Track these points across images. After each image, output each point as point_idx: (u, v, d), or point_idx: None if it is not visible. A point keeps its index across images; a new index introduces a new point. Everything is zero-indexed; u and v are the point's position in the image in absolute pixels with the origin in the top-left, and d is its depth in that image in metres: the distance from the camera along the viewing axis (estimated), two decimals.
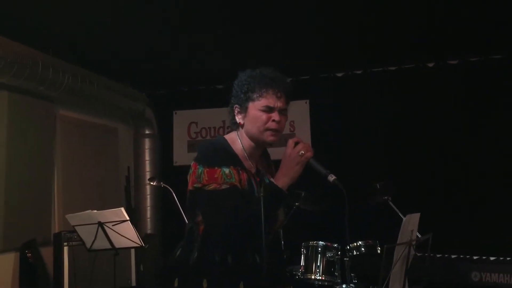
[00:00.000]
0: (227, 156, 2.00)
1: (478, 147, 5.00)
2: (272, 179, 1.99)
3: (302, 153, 1.93)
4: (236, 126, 2.11)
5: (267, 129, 2.02)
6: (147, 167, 6.07)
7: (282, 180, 1.95)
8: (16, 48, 4.03)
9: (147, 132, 6.17)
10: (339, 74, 5.64)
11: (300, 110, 5.71)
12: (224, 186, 1.92)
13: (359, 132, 5.40)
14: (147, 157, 6.10)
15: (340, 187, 1.88)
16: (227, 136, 2.12)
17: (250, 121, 2.03)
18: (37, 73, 4.21)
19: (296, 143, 1.97)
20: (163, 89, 6.24)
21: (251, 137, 2.06)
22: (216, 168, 1.94)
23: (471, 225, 4.74)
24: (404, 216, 2.39)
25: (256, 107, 2.01)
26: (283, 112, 2.04)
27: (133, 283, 5.05)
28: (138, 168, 6.13)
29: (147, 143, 6.14)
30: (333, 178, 1.90)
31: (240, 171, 1.99)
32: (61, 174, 5.08)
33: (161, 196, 5.90)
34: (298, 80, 5.68)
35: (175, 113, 6.26)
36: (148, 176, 5.87)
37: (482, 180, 4.92)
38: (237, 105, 2.07)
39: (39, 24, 3.99)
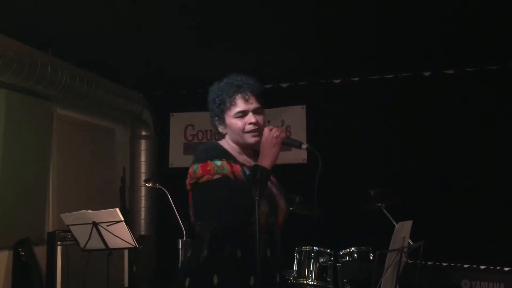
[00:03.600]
0: (219, 151, 2.13)
1: (472, 156, 5.03)
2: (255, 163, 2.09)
3: (276, 134, 2.07)
4: (221, 135, 2.25)
5: (246, 132, 2.15)
6: (143, 168, 6.07)
7: (265, 161, 2.05)
8: (15, 46, 4.04)
9: (143, 133, 6.18)
10: (336, 81, 5.67)
11: (297, 115, 5.73)
12: (216, 176, 2.02)
13: (355, 138, 5.43)
14: (143, 158, 6.11)
15: (315, 153, 2.06)
16: (218, 142, 2.26)
17: (230, 130, 2.17)
18: (35, 71, 4.22)
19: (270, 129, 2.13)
20: (160, 91, 6.25)
21: (236, 143, 2.20)
22: (208, 161, 2.06)
23: (462, 233, 4.77)
24: (397, 223, 2.41)
25: (231, 116, 2.15)
26: (258, 111, 2.17)
27: (126, 284, 5.05)
28: (133, 169, 6.13)
29: (143, 145, 6.15)
30: (305, 146, 2.10)
31: (233, 164, 2.09)
32: (57, 173, 5.08)
33: (156, 197, 5.89)
34: (295, 85, 5.71)
35: (172, 115, 6.27)
36: (143, 177, 5.86)
37: (476, 189, 4.95)
38: (215, 118, 2.21)
39: (38, 23, 4.01)
